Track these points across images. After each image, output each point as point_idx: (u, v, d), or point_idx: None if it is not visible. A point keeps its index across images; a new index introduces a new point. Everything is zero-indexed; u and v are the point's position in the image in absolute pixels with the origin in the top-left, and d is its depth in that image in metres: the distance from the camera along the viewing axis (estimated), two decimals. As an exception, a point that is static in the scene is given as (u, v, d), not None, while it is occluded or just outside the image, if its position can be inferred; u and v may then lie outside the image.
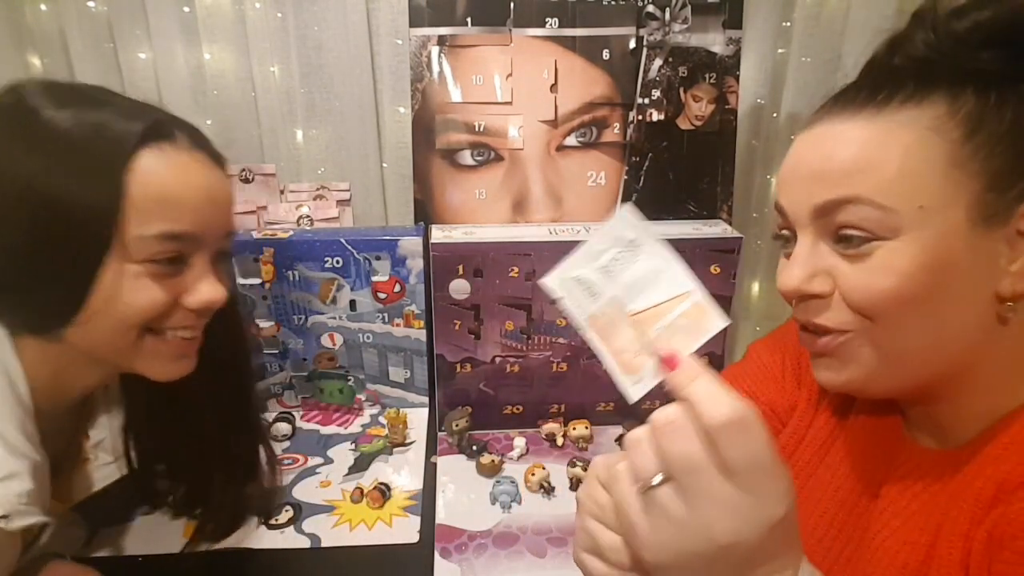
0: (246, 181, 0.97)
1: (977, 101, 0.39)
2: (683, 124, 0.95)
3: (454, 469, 0.85)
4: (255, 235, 0.89)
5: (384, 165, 1.06)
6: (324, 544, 0.73)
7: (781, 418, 0.60)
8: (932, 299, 0.40)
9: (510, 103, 0.92)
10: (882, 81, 0.42)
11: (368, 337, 0.93)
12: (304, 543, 0.73)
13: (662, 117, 0.94)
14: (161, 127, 0.54)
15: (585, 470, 0.81)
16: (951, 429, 0.46)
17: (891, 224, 0.40)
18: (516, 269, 0.85)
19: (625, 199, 0.96)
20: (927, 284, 0.40)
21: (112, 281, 0.52)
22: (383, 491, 0.79)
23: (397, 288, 0.90)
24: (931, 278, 0.40)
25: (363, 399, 0.98)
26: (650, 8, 0.91)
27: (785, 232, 0.46)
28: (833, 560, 0.50)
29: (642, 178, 0.96)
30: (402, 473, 0.84)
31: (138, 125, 0.52)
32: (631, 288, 0.40)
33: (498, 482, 0.81)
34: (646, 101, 0.93)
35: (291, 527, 0.75)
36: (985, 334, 0.41)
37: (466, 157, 0.94)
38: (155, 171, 0.52)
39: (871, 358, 0.43)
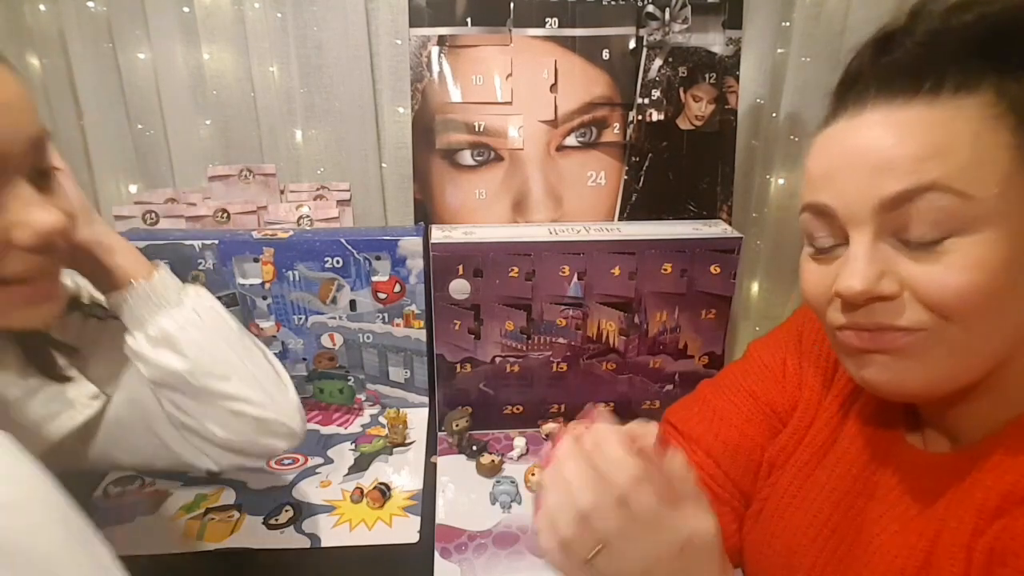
0: (246, 181, 0.97)
1: (1020, 88, 0.37)
2: (683, 124, 0.95)
3: (454, 469, 0.85)
4: (255, 235, 0.89)
5: (384, 165, 1.06)
6: (324, 544, 0.73)
7: (782, 418, 0.59)
8: (1008, 295, 0.38)
9: (510, 103, 0.92)
10: (916, 70, 0.39)
11: (368, 337, 0.93)
12: (304, 543, 0.73)
13: (662, 117, 0.94)
14: None
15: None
16: (956, 432, 0.45)
17: (969, 214, 0.37)
18: (516, 269, 0.85)
19: (625, 199, 0.96)
20: (1007, 279, 0.38)
21: None
22: (383, 491, 0.79)
23: (397, 288, 0.90)
24: (1010, 272, 0.38)
25: (363, 399, 0.98)
26: (650, 8, 0.91)
27: (824, 235, 0.43)
28: (827, 560, 0.50)
29: (642, 178, 0.96)
30: (402, 473, 0.84)
31: None
32: None
33: (498, 482, 0.81)
34: (646, 101, 0.93)
35: (291, 527, 0.75)
36: None
37: (466, 157, 0.94)
38: None
39: (941, 358, 0.40)
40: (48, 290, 0.48)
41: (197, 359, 0.57)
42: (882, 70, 0.41)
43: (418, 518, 0.76)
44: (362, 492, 0.79)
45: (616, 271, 0.86)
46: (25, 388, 0.54)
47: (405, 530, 0.75)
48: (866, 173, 0.39)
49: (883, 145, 0.39)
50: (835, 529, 0.50)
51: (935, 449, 0.47)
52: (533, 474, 0.80)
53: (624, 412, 0.94)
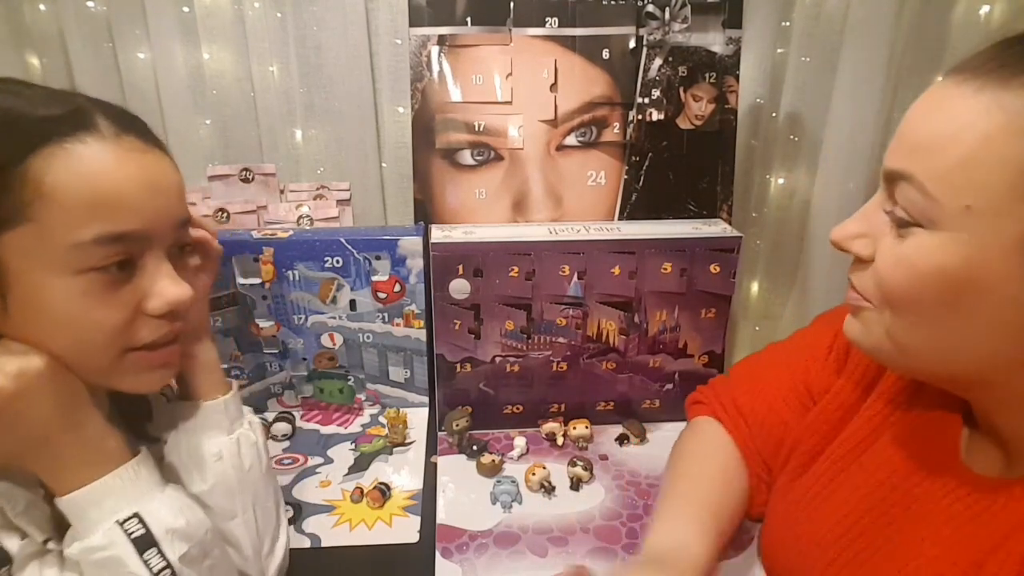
0: (246, 181, 0.97)
1: None
2: (683, 124, 0.95)
3: (454, 469, 0.85)
4: (255, 235, 0.88)
5: (384, 165, 1.06)
6: (324, 544, 0.73)
7: (813, 396, 0.60)
8: (951, 309, 0.37)
9: (510, 103, 0.92)
10: (1006, 51, 0.36)
11: (368, 337, 0.93)
12: (304, 543, 0.72)
13: (662, 117, 0.94)
14: (78, 116, 0.46)
15: (585, 469, 0.81)
16: (1010, 453, 0.43)
17: (931, 215, 0.37)
18: (516, 269, 0.85)
19: (625, 199, 0.96)
20: (946, 292, 0.37)
21: (59, 301, 0.46)
22: (383, 491, 0.79)
23: (397, 288, 0.90)
24: (953, 287, 0.37)
25: (363, 399, 0.98)
26: (650, 8, 0.91)
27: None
28: (847, 561, 0.49)
29: (642, 178, 0.96)
30: (402, 473, 0.84)
31: (49, 117, 0.45)
32: None
33: (498, 482, 0.81)
34: (646, 101, 0.93)
35: (291, 527, 0.74)
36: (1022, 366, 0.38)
37: (466, 157, 0.94)
38: (77, 167, 0.45)
39: (883, 337, 0.42)
40: (168, 358, 0.52)
41: (213, 491, 0.58)
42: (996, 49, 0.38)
43: (418, 518, 0.76)
44: (362, 492, 0.79)
45: (616, 271, 0.86)
46: None
47: (405, 530, 0.75)
48: (896, 141, 0.40)
49: (913, 117, 0.39)
50: (862, 532, 0.49)
51: (984, 469, 0.44)
52: (534, 473, 0.80)
53: (624, 411, 0.94)
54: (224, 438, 0.59)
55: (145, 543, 0.48)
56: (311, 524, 0.75)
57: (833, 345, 0.60)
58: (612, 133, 0.94)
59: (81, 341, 0.47)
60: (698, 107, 0.94)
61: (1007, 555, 0.39)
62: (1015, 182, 0.34)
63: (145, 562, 0.47)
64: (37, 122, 0.44)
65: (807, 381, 0.61)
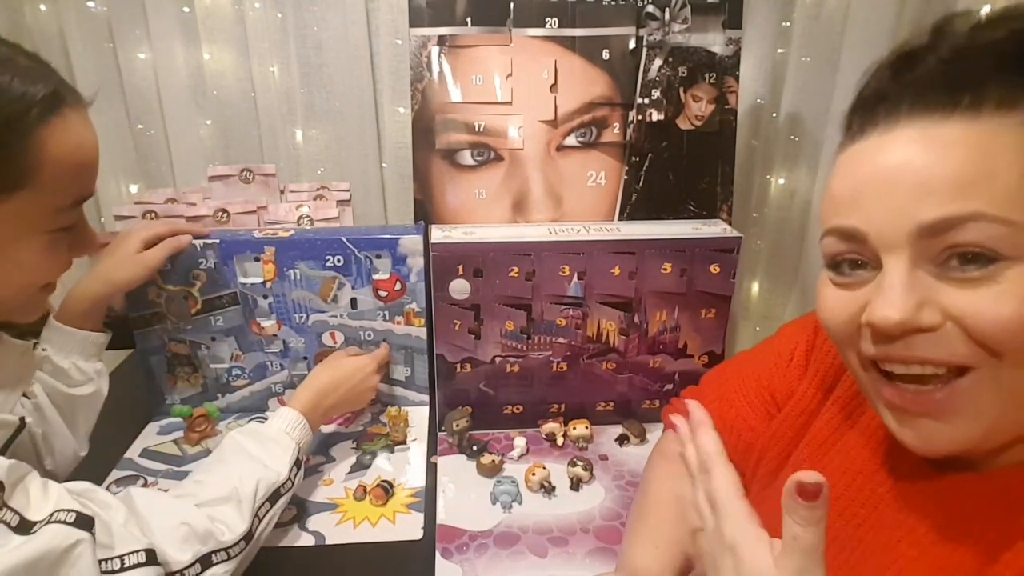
0: (246, 181, 0.97)
1: None
2: (683, 124, 0.95)
3: (454, 469, 0.85)
4: (256, 234, 0.89)
5: (384, 165, 1.06)
6: (329, 541, 0.73)
7: (778, 403, 0.61)
8: None
9: (510, 103, 0.92)
10: (953, 84, 0.36)
11: (369, 335, 0.93)
12: (309, 540, 0.73)
13: (662, 117, 0.94)
14: (63, 88, 0.50)
15: (585, 469, 0.82)
16: (987, 452, 0.42)
17: (1018, 240, 0.34)
18: (516, 269, 0.85)
19: (625, 199, 0.97)
20: None
21: (25, 255, 0.51)
22: (386, 488, 0.79)
23: (398, 286, 0.91)
24: None
25: (364, 398, 0.98)
26: (650, 8, 0.91)
27: (852, 258, 0.39)
28: (827, 564, 0.50)
29: (642, 178, 0.96)
30: (404, 470, 0.85)
31: (40, 92, 0.48)
32: None
33: (499, 482, 0.81)
34: (646, 101, 0.93)
35: (295, 525, 0.75)
36: None
37: (466, 157, 0.94)
38: (69, 137, 0.50)
39: (991, 406, 0.37)
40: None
41: None
42: (914, 85, 0.38)
43: (421, 515, 0.77)
44: (365, 490, 0.80)
45: (616, 271, 0.86)
46: None
47: (409, 527, 0.75)
48: (902, 195, 0.36)
49: (921, 164, 0.36)
50: (835, 537, 0.48)
51: (949, 467, 0.44)
52: (534, 474, 0.81)
53: (624, 412, 0.95)
54: None
55: None
56: (315, 522, 0.76)
57: (795, 352, 0.61)
58: (612, 133, 0.94)
59: (21, 284, 0.53)
60: (698, 107, 0.94)
61: (984, 551, 0.40)
62: None
63: None
64: (42, 96, 0.48)
65: (771, 387, 0.62)
